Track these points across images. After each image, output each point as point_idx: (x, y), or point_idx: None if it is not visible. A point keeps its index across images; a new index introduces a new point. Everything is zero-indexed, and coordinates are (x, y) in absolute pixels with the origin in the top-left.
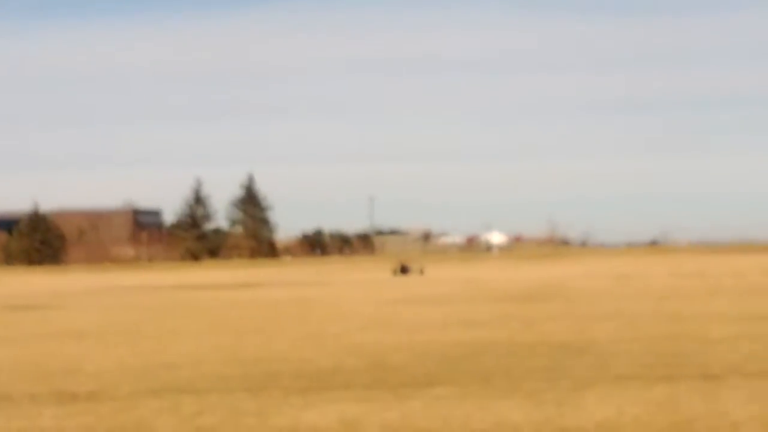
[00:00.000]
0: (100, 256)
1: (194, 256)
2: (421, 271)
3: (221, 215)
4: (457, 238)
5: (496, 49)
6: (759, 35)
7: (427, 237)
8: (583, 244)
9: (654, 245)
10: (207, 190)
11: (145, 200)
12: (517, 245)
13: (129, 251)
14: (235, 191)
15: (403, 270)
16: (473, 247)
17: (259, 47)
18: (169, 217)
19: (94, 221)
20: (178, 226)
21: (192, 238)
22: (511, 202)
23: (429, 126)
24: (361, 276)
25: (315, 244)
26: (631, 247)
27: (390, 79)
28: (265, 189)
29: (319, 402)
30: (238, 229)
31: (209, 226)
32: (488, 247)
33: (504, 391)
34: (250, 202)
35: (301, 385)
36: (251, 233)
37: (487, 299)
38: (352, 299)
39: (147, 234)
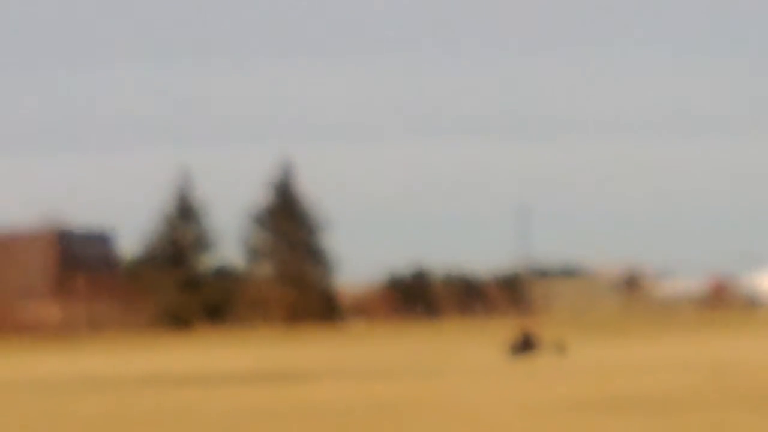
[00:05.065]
0: None
1: (180, 320)
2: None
3: (230, 241)
4: (691, 281)
5: None
6: None
7: (633, 281)
8: None
9: None
10: (202, 191)
11: (80, 214)
12: None
13: (51, 311)
14: (259, 194)
15: (525, 344)
16: (723, 298)
17: None
18: (129, 245)
19: None
20: (146, 262)
21: (175, 284)
22: None
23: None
24: (494, 357)
25: (413, 296)
26: None
27: None
28: (316, 189)
29: None
30: (265, 269)
31: (207, 262)
32: (752, 299)
33: None
34: (290, 215)
35: None
36: (291, 276)
37: (743, 402)
38: (484, 407)
39: (86, 278)
